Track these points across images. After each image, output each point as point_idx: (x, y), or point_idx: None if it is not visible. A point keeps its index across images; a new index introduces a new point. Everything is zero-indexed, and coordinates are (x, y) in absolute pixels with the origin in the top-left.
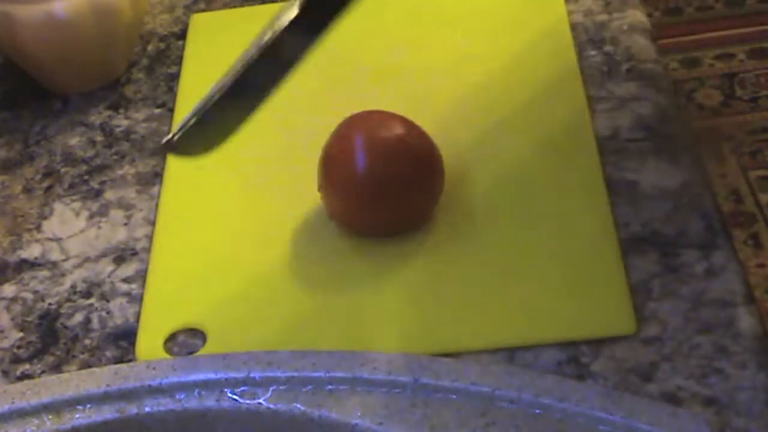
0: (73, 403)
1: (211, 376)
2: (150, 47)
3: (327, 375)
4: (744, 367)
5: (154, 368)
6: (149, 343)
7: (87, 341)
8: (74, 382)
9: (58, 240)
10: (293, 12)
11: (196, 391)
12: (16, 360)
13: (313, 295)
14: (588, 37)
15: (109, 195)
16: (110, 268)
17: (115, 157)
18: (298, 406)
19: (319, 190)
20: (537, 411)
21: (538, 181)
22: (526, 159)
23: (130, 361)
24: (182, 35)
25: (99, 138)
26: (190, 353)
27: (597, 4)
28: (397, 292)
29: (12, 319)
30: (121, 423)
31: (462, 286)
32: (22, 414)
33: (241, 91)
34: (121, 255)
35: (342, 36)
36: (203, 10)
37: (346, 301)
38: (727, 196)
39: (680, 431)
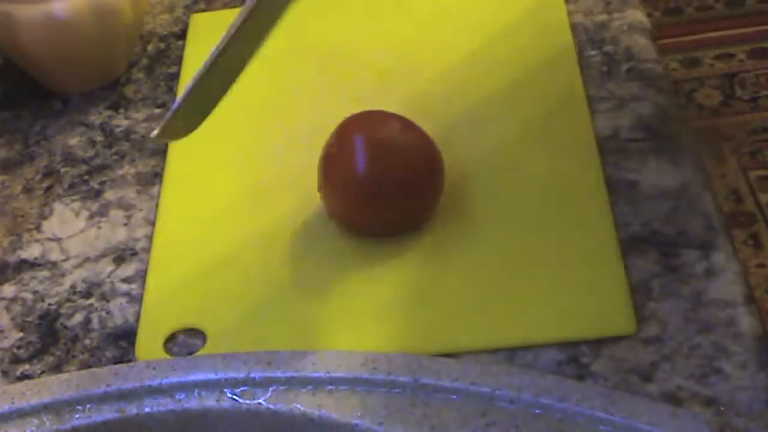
0: (72, 404)
1: (211, 376)
2: (150, 47)
3: (327, 375)
4: (744, 367)
5: (154, 368)
6: (149, 344)
7: (87, 341)
8: (74, 382)
9: (58, 240)
10: None
11: (196, 391)
12: (16, 360)
13: (312, 296)
14: (588, 37)
15: (109, 195)
16: (110, 268)
17: (115, 157)
18: (298, 406)
19: (319, 190)
20: (537, 411)
21: (538, 181)
22: (526, 159)
23: (129, 361)
24: (182, 35)
25: (99, 138)
26: (190, 353)
27: (597, 4)
28: (397, 292)
29: (12, 319)
30: (120, 423)
31: (462, 286)
32: (22, 414)
33: (216, 71)
34: (121, 255)
35: (342, 36)
36: (203, 10)
37: (346, 301)
38: (727, 196)
39: (680, 431)
